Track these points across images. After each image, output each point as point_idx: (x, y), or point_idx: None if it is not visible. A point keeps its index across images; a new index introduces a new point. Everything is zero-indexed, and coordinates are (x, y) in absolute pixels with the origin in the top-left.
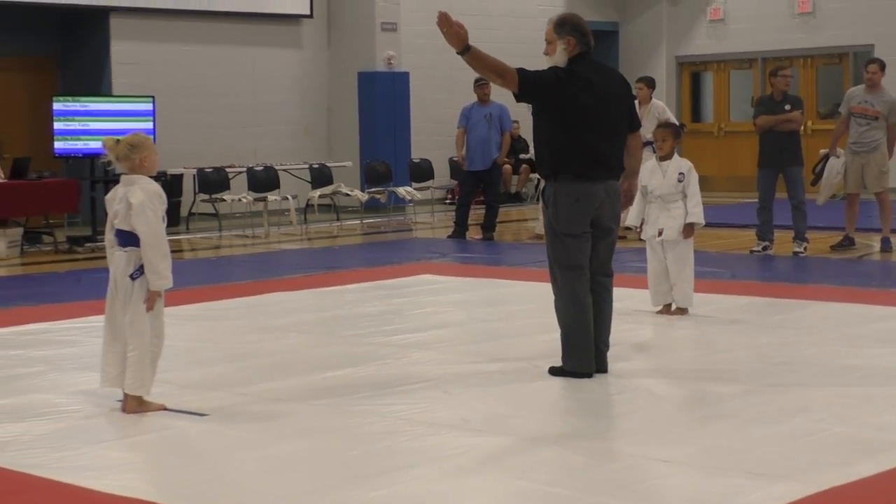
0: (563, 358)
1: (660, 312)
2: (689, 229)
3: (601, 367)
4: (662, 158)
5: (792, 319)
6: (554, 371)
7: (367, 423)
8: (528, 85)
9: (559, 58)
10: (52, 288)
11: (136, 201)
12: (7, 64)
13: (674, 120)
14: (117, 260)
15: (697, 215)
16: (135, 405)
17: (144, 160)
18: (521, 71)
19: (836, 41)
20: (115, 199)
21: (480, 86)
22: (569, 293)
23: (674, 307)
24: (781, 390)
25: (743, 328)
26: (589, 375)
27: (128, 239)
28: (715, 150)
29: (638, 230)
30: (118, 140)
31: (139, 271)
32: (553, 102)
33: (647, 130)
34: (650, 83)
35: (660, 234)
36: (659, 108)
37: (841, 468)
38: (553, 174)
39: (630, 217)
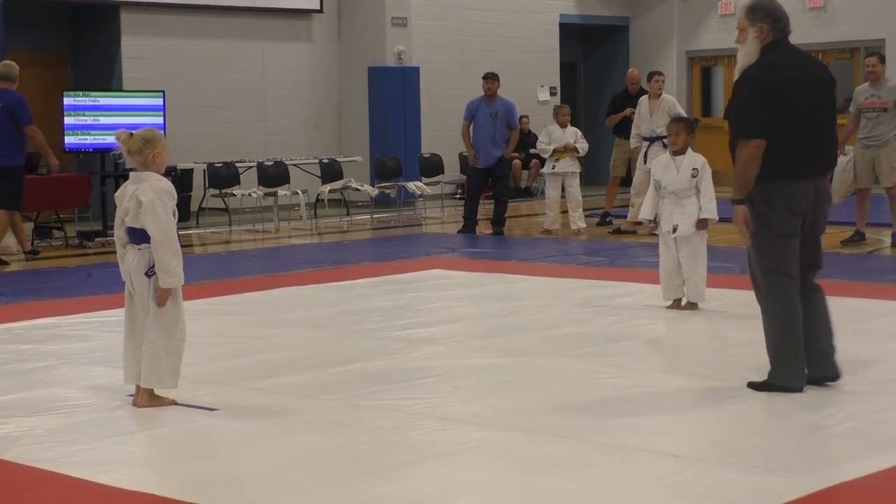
0: (772, 372)
1: (670, 307)
2: (702, 223)
3: (832, 374)
4: (676, 153)
5: None
6: (757, 386)
7: (378, 417)
8: (762, 129)
9: (751, 46)
10: (62, 283)
11: (145, 199)
12: (18, 59)
13: (684, 114)
14: (130, 258)
15: (711, 211)
16: (146, 399)
17: (157, 156)
18: (751, 132)
19: (848, 36)
20: (124, 197)
21: (489, 81)
22: (779, 300)
23: (685, 302)
24: None
25: (754, 323)
26: (799, 390)
27: (140, 236)
28: (725, 145)
29: (651, 224)
30: (131, 134)
31: (153, 269)
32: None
33: (657, 125)
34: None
35: (674, 230)
36: (670, 103)
37: (853, 463)
38: (762, 174)
39: (643, 211)
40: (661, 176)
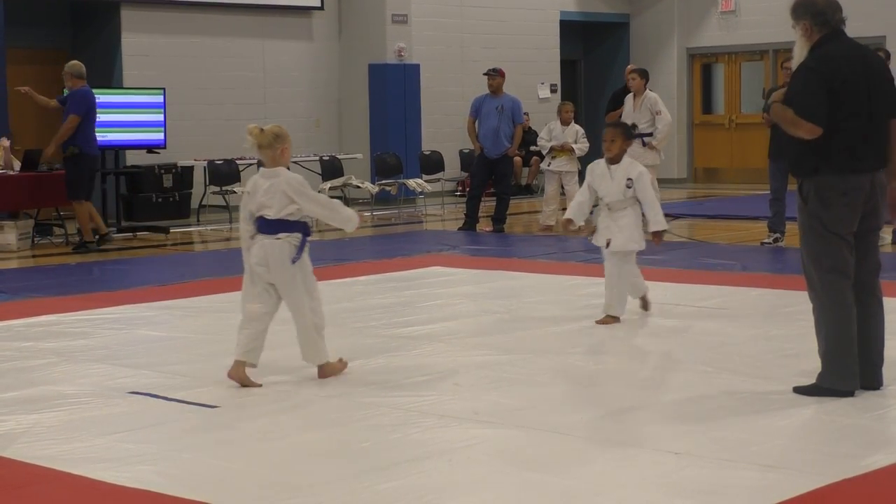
0: (822, 374)
1: (601, 322)
2: (657, 237)
3: (874, 384)
4: (611, 161)
5: (803, 311)
6: (804, 390)
7: (378, 414)
8: (821, 117)
9: (799, 44)
10: (62, 280)
11: (292, 191)
12: (19, 56)
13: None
14: (267, 248)
15: (660, 222)
16: (323, 371)
17: (285, 150)
18: (805, 115)
19: (848, 32)
20: (257, 192)
21: (491, 77)
22: (833, 300)
23: (639, 303)
24: (792, 382)
25: (754, 320)
26: (850, 394)
27: (277, 227)
28: (726, 142)
29: (582, 230)
30: (262, 129)
31: (298, 255)
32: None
33: (639, 121)
34: (643, 74)
35: (607, 244)
36: (652, 100)
37: (852, 460)
38: (815, 169)
39: (568, 210)
40: (598, 186)
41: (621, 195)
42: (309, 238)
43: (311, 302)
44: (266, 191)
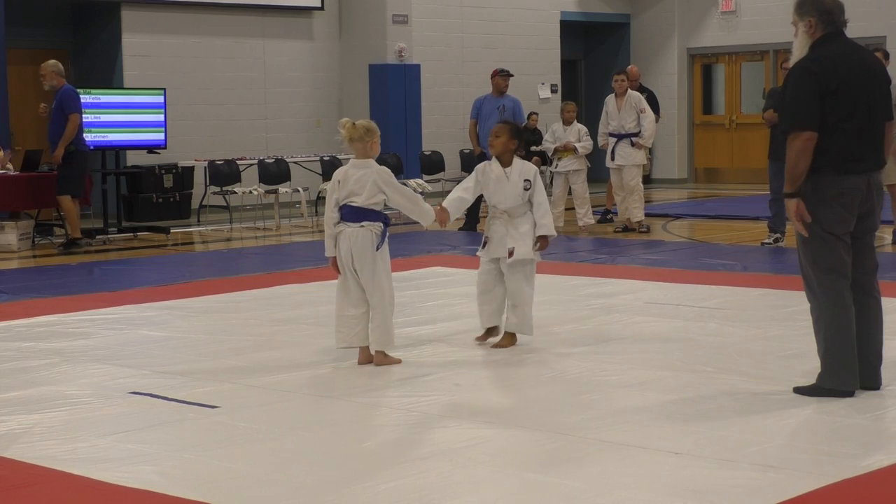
0: (822, 374)
1: (480, 339)
2: (543, 242)
3: (873, 384)
4: (503, 164)
5: (803, 311)
6: (804, 390)
7: (379, 415)
8: (813, 122)
9: (801, 41)
10: (63, 280)
11: (382, 183)
12: (19, 57)
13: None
14: (353, 235)
15: (548, 227)
16: (381, 358)
17: (374, 144)
18: (801, 124)
19: (848, 32)
20: (348, 181)
21: (504, 77)
22: (831, 300)
23: (501, 335)
24: (792, 382)
25: (754, 320)
26: (850, 394)
27: (363, 215)
28: (726, 142)
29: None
30: (354, 123)
31: (381, 243)
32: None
33: (626, 121)
34: (629, 76)
35: (510, 254)
36: (635, 98)
37: (852, 460)
38: (812, 170)
39: (448, 201)
40: (492, 191)
41: (519, 199)
42: (389, 228)
43: (391, 290)
44: (357, 180)
